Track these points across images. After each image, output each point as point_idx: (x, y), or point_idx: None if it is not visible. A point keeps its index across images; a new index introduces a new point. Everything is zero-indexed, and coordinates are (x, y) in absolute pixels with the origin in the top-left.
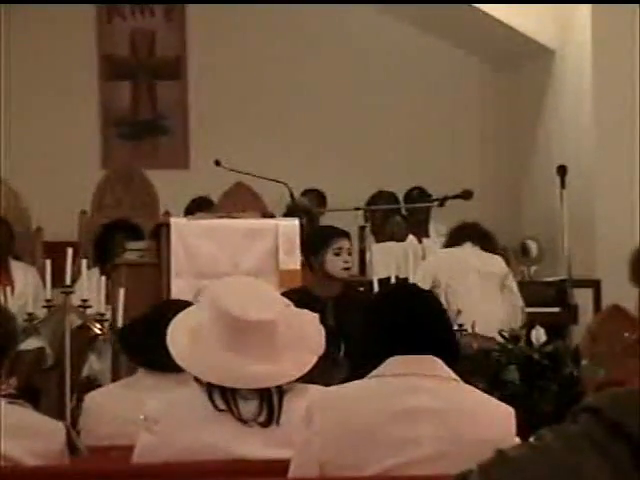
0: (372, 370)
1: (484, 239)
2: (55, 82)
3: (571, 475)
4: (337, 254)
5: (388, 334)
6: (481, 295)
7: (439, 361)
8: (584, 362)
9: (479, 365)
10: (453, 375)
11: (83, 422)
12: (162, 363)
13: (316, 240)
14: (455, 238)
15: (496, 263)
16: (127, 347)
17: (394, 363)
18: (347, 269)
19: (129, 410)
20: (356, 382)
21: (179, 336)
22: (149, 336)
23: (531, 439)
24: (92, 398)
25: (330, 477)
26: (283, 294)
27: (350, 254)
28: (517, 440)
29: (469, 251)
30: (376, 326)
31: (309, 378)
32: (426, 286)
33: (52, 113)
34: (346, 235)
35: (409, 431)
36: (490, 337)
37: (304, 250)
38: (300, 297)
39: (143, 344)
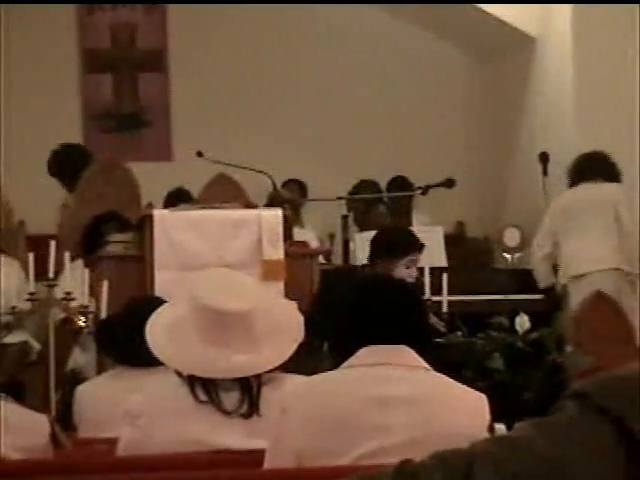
0: (345, 360)
1: (602, 170)
2: (37, 75)
3: (553, 469)
4: (407, 267)
5: (360, 325)
6: (588, 234)
7: (410, 351)
8: (568, 349)
9: (464, 354)
10: (424, 364)
11: (77, 414)
12: (138, 359)
13: (392, 246)
14: (573, 177)
15: (606, 194)
16: (103, 346)
17: (366, 353)
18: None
19: (119, 398)
20: (329, 372)
21: (158, 330)
22: (124, 334)
23: (510, 432)
24: (82, 390)
25: (305, 467)
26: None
27: (416, 265)
28: (499, 427)
29: (584, 187)
30: (349, 317)
31: (292, 369)
32: (546, 246)
33: (34, 107)
34: (421, 249)
35: (382, 418)
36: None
37: (373, 250)
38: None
39: (118, 342)
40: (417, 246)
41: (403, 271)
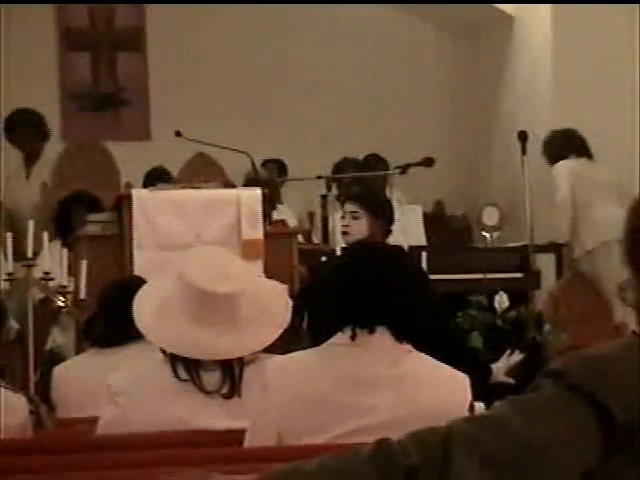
0: (328, 338)
1: (582, 148)
2: (14, 55)
3: (529, 449)
4: (342, 217)
5: (341, 306)
6: (608, 204)
7: (394, 331)
8: (547, 327)
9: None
10: (407, 346)
11: (55, 396)
12: (111, 338)
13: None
14: (557, 151)
15: (604, 172)
16: (90, 337)
17: (347, 333)
18: (344, 233)
19: (97, 378)
20: (311, 350)
21: (145, 307)
22: (101, 318)
23: (488, 411)
24: (60, 371)
25: (285, 445)
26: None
27: (356, 218)
28: (478, 406)
29: (585, 163)
30: (330, 298)
31: (272, 348)
32: (568, 209)
33: (11, 86)
34: (351, 198)
35: (363, 397)
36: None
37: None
38: None
39: (97, 327)
40: (348, 196)
41: (341, 222)
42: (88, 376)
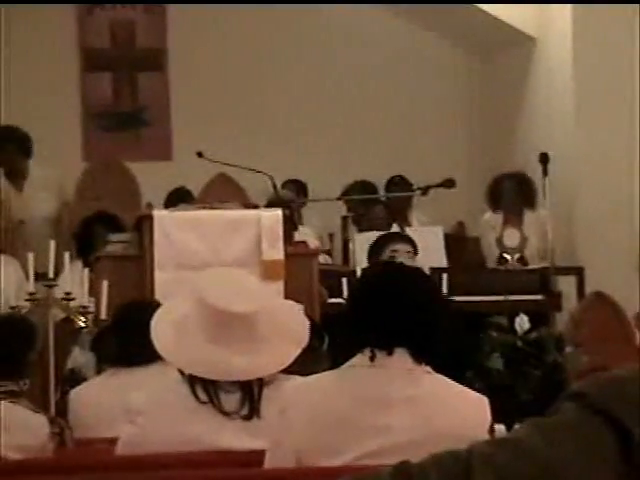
0: (348, 360)
1: None
2: (36, 74)
3: (551, 472)
4: (391, 257)
5: (363, 326)
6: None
7: (413, 353)
8: (568, 349)
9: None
10: (426, 367)
11: (72, 417)
12: (134, 360)
13: (373, 245)
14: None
15: None
16: (100, 354)
17: (366, 354)
18: None
19: (113, 398)
20: (329, 372)
21: (163, 327)
22: (118, 338)
23: (509, 434)
24: (77, 393)
25: (304, 467)
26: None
27: (411, 258)
28: (499, 428)
29: None
30: (350, 319)
31: (292, 370)
32: None
33: (33, 105)
34: (403, 239)
35: (381, 419)
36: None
37: (368, 255)
38: None
39: (113, 347)
40: (395, 236)
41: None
42: (103, 399)
